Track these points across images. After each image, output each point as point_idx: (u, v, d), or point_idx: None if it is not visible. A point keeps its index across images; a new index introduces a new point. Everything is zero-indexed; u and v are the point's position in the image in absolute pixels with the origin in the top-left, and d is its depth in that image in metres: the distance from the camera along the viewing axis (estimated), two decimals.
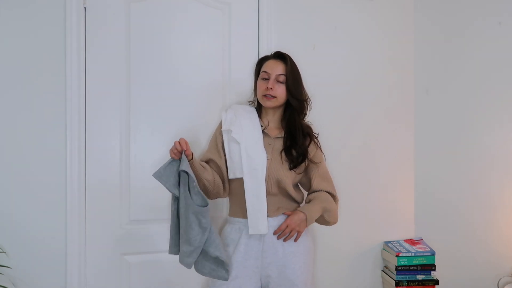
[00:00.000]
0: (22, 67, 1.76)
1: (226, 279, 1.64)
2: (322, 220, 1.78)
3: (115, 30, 1.85)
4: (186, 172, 1.55)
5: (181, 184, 1.60)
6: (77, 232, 1.80)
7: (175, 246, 1.65)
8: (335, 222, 1.79)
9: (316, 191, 1.78)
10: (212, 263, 1.63)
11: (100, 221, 1.84)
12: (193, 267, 1.65)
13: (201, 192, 1.57)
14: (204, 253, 1.62)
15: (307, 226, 1.71)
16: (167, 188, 1.59)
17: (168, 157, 1.61)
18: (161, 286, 1.89)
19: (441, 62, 2.18)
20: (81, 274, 1.81)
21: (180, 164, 1.56)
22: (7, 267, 1.72)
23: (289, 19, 2.07)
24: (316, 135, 1.84)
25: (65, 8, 1.78)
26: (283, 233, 1.67)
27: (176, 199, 1.63)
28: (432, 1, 2.22)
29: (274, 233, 1.69)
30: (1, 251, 1.72)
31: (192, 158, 1.60)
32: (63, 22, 1.79)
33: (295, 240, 1.70)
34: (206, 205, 1.58)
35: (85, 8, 1.82)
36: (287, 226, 1.67)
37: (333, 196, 1.80)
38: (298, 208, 1.74)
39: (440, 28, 2.19)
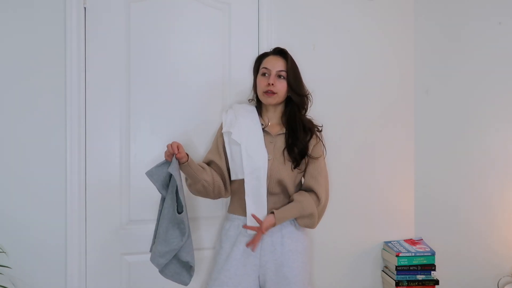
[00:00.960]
0: (22, 67, 1.76)
1: (186, 284, 1.69)
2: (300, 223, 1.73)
3: (115, 30, 1.85)
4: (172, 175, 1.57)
5: (170, 186, 1.62)
6: (77, 232, 1.80)
7: None
8: (310, 228, 1.75)
9: (306, 189, 1.75)
10: (177, 266, 1.66)
11: (100, 221, 1.84)
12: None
13: (181, 198, 1.59)
14: (174, 256, 1.64)
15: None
16: (156, 187, 1.62)
17: (163, 158, 1.63)
18: (161, 286, 1.88)
19: (441, 62, 2.18)
20: (81, 274, 1.82)
21: (169, 166, 1.58)
22: (7, 267, 1.72)
23: (289, 19, 2.07)
24: (320, 128, 1.81)
25: (65, 8, 1.78)
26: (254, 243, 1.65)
27: (163, 200, 1.66)
28: (432, 1, 2.22)
29: (247, 245, 1.66)
30: (1, 251, 1.73)
31: (187, 160, 1.60)
32: (63, 22, 1.79)
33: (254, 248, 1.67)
34: (181, 212, 1.60)
35: (85, 8, 1.82)
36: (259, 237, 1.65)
37: (318, 197, 1.72)
38: (275, 212, 1.67)
39: (440, 28, 2.19)
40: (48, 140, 1.79)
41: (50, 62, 1.79)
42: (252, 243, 1.65)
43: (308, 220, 1.71)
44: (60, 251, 1.79)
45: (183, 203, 1.60)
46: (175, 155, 1.57)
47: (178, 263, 1.67)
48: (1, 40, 1.75)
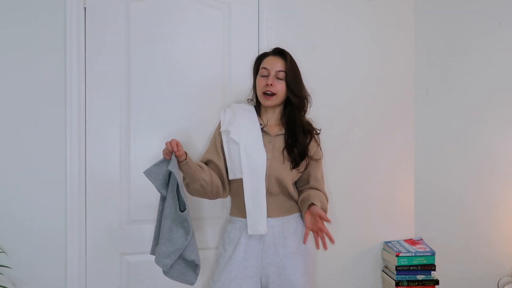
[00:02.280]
0: (22, 67, 1.76)
1: (192, 284, 1.68)
2: None
3: (115, 30, 1.86)
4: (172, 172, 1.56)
5: (169, 184, 1.61)
6: (77, 232, 1.80)
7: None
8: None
9: (312, 188, 1.78)
10: (182, 266, 1.64)
11: (100, 221, 1.84)
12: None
13: (183, 195, 1.58)
14: (179, 256, 1.63)
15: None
16: (155, 186, 1.60)
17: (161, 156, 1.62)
18: (161, 286, 1.88)
19: (441, 62, 2.18)
20: (81, 274, 1.82)
21: (169, 164, 1.57)
22: (7, 267, 1.72)
23: (289, 19, 2.07)
24: (318, 131, 1.83)
25: (65, 8, 1.79)
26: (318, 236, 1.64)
27: (163, 199, 1.64)
28: (432, 1, 2.22)
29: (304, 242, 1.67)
30: (1, 251, 1.73)
31: (186, 159, 1.59)
32: (63, 22, 1.79)
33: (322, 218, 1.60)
34: (184, 210, 1.59)
35: (85, 8, 1.82)
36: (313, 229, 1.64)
37: (326, 198, 1.80)
38: (311, 206, 1.66)
39: (440, 28, 2.19)
40: (48, 139, 1.78)
41: (50, 62, 1.79)
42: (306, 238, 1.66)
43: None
44: (60, 251, 1.79)
45: (185, 201, 1.59)
46: (174, 152, 1.56)
47: (183, 263, 1.65)
48: (1, 40, 1.75)
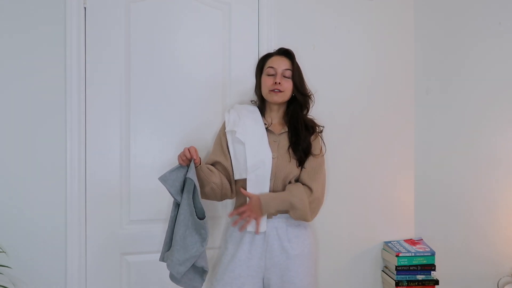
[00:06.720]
0: (22, 67, 1.76)
1: None
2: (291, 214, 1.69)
3: (115, 30, 1.86)
4: (192, 181, 1.55)
5: (184, 191, 1.60)
6: (77, 232, 1.80)
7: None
8: (304, 220, 1.69)
9: (297, 181, 1.74)
10: (190, 272, 1.63)
11: (100, 221, 1.84)
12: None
13: (201, 203, 1.57)
14: None
15: (261, 215, 1.64)
16: (170, 193, 1.59)
17: (175, 162, 1.61)
18: (161, 286, 1.89)
19: (441, 62, 2.18)
20: (81, 274, 1.82)
21: (187, 171, 1.56)
22: (7, 267, 1.72)
23: (289, 19, 2.07)
24: (321, 128, 1.83)
25: (65, 8, 1.79)
26: (240, 218, 1.65)
27: (177, 206, 1.63)
28: (432, 1, 2.22)
29: (230, 215, 1.70)
30: (1, 251, 1.73)
31: (200, 164, 1.60)
32: (63, 22, 1.79)
33: (241, 229, 1.67)
34: (203, 217, 1.58)
35: (85, 8, 1.82)
36: (245, 211, 1.64)
37: (310, 188, 1.69)
38: (260, 195, 1.65)
39: (440, 28, 2.19)
40: (49, 140, 1.79)
41: (50, 62, 1.79)
42: (245, 222, 1.66)
43: (299, 211, 1.65)
44: (60, 251, 1.79)
45: (203, 208, 1.57)
46: (194, 160, 1.56)
47: (192, 269, 1.63)
48: (1, 39, 1.75)
